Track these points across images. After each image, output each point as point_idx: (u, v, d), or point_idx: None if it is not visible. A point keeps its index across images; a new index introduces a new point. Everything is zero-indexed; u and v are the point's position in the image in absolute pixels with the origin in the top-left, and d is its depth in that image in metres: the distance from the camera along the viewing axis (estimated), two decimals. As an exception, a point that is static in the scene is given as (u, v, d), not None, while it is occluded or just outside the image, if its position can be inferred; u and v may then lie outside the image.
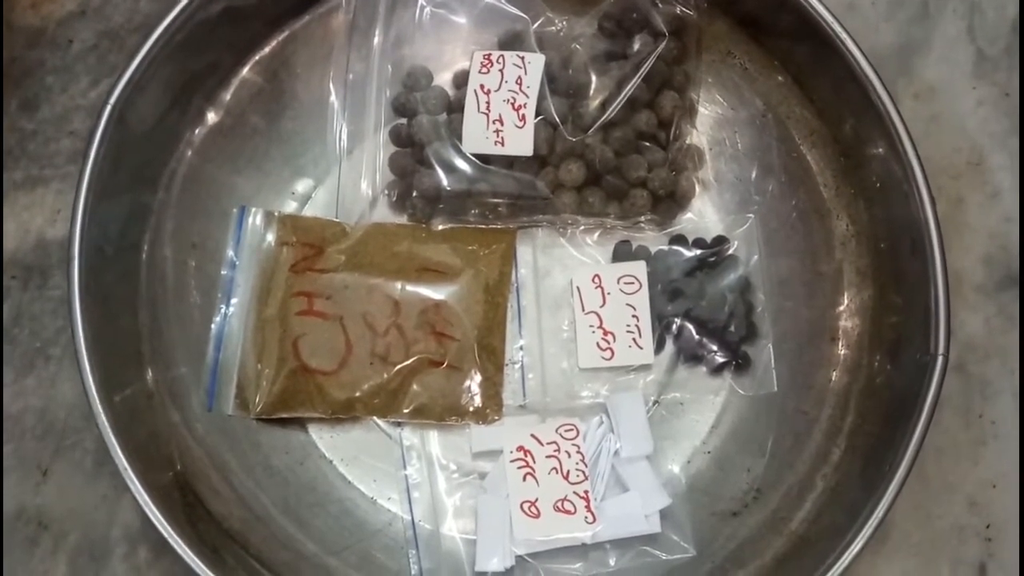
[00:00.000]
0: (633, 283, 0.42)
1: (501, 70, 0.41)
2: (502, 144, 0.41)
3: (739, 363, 0.42)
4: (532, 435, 0.40)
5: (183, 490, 0.39)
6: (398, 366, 0.41)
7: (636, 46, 0.42)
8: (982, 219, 0.45)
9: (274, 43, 0.44)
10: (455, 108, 0.42)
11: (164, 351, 0.41)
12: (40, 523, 0.41)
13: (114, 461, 0.36)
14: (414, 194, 0.42)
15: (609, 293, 0.42)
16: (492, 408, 0.41)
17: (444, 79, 0.43)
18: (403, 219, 0.43)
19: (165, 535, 0.35)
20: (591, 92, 0.41)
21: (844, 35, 0.39)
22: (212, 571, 0.35)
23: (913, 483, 0.41)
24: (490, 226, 0.43)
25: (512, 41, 0.43)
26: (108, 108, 0.38)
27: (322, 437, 0.42)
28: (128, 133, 0.39)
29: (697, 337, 0.42)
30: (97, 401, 0.37)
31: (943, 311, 0.37)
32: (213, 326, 0.42)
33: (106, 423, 0.36)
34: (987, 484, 0.42)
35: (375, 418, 0.41)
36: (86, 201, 0.38)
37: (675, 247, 0.43)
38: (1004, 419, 0.43)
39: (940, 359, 0.36)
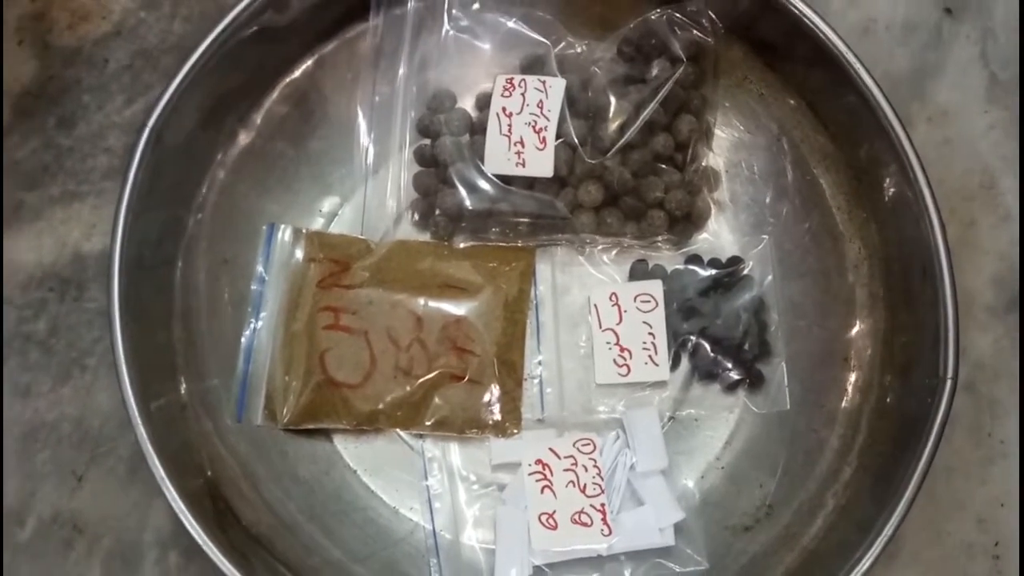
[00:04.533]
0: (649, 301, 0.43)
1: (523, 94, 0.42)
2: (523, 165, 0.42)
3: (753, 381, 0.43)
4: (550, 449, 0.41)
5: (214, 497, 0.40)
6: (420, 380, 0.42)
7: (654, 71, 0.43)
8: (993, 241, 0.45)
9: (304, 66, 0.45)
10: (477, 130, 0.43)
11: (197, 363, 0.42)
12: (75, 527, 0.43)
13: (147, 468, 0.37)
14: (437, 212, 0.43)
15: (626, 311, 0.43)
16: (511, 422, 0.42)
17: (467, 102, 0.44)
18: (426, 237, 0.44)
19: (198, 539, 0.36)
20: (610, 115, 0.42)
21: (857, 63, 0.40)
22: (242, 575, 0.36)
23: (922, 501, 0.42)
24: (510, 244, 0.44)
25: (534, 65, 0.44)
26: (147, 130, 0.39)
27: (347, 448, 0.43)
28: (164, 153, 0.41)
29: (712, 355, 0.43)
30: (135, 410, 0.38)
31: (952, 334, 0.37)
32: (243, 339, 0.43)
33: (143, 431, 0.37)
34: (995, 502, 0.43)
35: (398, 430, 0.42)
36: (125, 219, 0.39)
37: (691, 267, 0.44)
38: (1013, 438, 0.43)
39: (949, 382, 0.37)
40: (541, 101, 0.42)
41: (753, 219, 0.44)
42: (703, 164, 0.44)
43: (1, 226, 0.46)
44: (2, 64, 0.47)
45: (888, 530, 0.36)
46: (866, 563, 0.36)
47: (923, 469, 0.36)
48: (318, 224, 0.45)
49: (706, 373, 0.43)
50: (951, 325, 0.38)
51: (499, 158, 0.42)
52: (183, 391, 0.42)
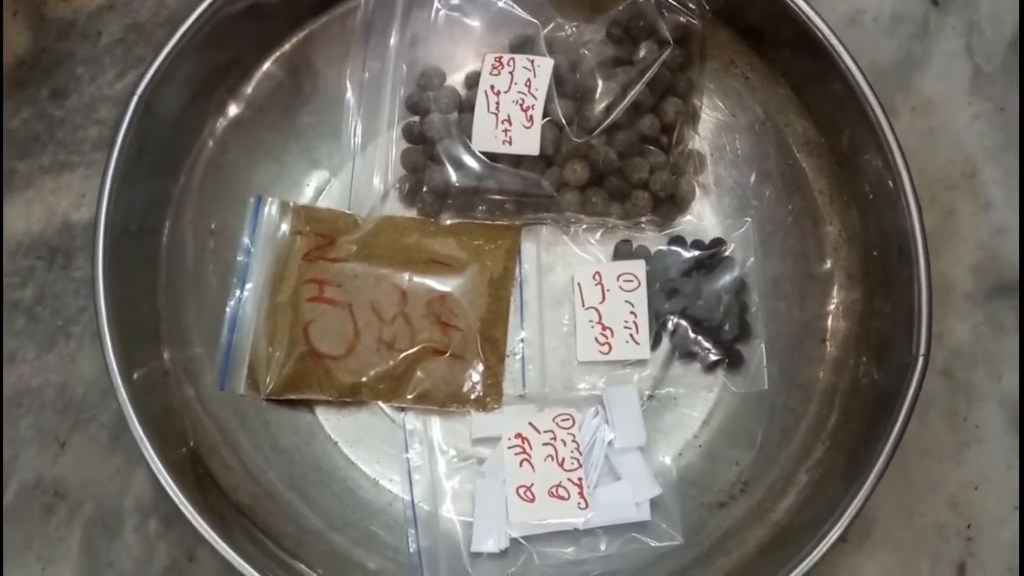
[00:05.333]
0: (632, 281, 0.44)
1: (511, 72, 0.43)
2: (510, 143, 0.42)
3: (732, 361, 0.43)
4: (530, 423, 0.42)
5: (195, 464, 0.40)
6: (403, 353, 0.42)
7: (642, 53, 0.43)
8: (973, 230, 0.46)
9: (294, 40, 0.45)
10: (466, 107, 0.43)
11: (181, 331, 0.42)
12: (56, 493, 0.43)
13: (129, 436, 0.38)
14: (424, 189, 0.44)
15: (609, 290, 0.44)
16: (492, 397, 0.43)
17: (456, 79, 0.45)
18: (413, 213, 0.44)
19: (178, 504, 0.37)
20: (597, 96, 0.43)
21: (842, 50, 0.40)
22: (221, 540, 0.36)
23: (897, 482, 0.43)
24: (496, 222, 0.44)
25: (523, 45, 0.44)
26: (135, 98, 0.40)
27: (328, 419, 0.43)
28: (153, 122, 0.41)
29: (692, 335, 0.43)
30: (118, 377, 0.38)
31: (925, 315, 0.38)
32: (228, 309, 0.43)
33: (125, 398, 0.38)
34: (969, 486, 0.43)
35: (380, 402, 0.43)
36: (112, 186, 0.39)
37: (674, 247, 0.44)
38: (988, 423, 0.44)
39: (921, 360, 0.37)
40: (529, 80, 0.43)
41: (736, 202, 0.45)
42: (688, 146, 0.44)
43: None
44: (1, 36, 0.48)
45: (856, 504, 0.36)
46: (833, 536, 0.36)
47: (892, 446, 0.37)
48: (306, 198, 0.45)
49: (686, 352, 0.43)
50: (924, 306, 0.38)
51: (486, 136, 0.42)
52: (166, 358, 0.42)
